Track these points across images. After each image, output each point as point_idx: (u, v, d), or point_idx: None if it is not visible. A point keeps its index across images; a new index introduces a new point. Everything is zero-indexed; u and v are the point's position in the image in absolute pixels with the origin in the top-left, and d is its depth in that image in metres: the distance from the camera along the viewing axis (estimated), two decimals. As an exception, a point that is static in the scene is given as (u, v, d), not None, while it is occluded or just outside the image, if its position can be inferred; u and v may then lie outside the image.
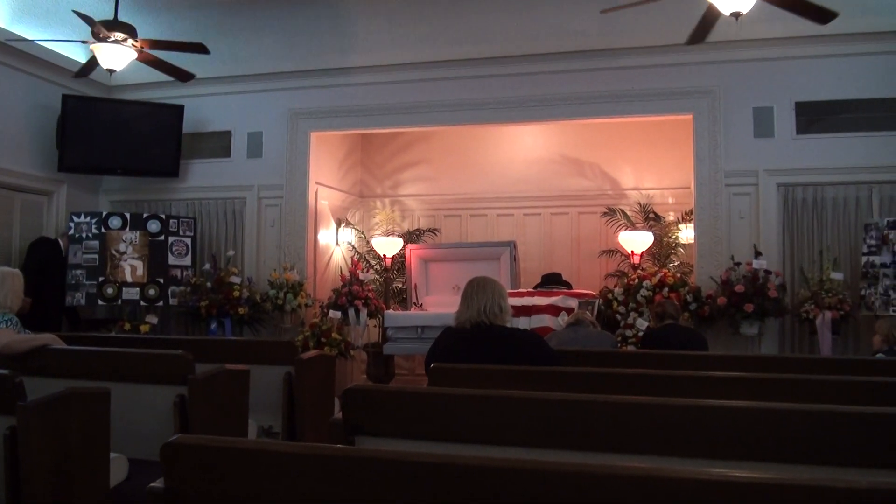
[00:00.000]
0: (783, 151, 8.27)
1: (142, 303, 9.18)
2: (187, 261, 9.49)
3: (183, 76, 7.79)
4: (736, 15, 5.73)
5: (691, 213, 8.86)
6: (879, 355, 6.15)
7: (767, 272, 7.87)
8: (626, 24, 7.93)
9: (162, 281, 9.27)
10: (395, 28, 8.79)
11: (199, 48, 7.10)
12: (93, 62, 7.30)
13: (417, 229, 10.83)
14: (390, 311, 9.50)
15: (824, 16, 5.99)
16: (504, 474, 1.81)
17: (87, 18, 6.67)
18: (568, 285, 8.94)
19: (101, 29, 6.78)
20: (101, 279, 9.04)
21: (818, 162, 8.13)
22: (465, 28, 8.67)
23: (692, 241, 8.87)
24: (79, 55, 8.97)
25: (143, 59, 7.31)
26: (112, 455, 3.91)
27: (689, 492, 1.69)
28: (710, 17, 6.19)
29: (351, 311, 9.11)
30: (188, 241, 9.53)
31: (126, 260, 9.17)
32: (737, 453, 2.63)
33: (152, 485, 2.02)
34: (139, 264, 9.22)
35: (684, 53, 8.23)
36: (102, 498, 3.72)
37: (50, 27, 8.25)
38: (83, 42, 7.10)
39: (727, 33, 7.32)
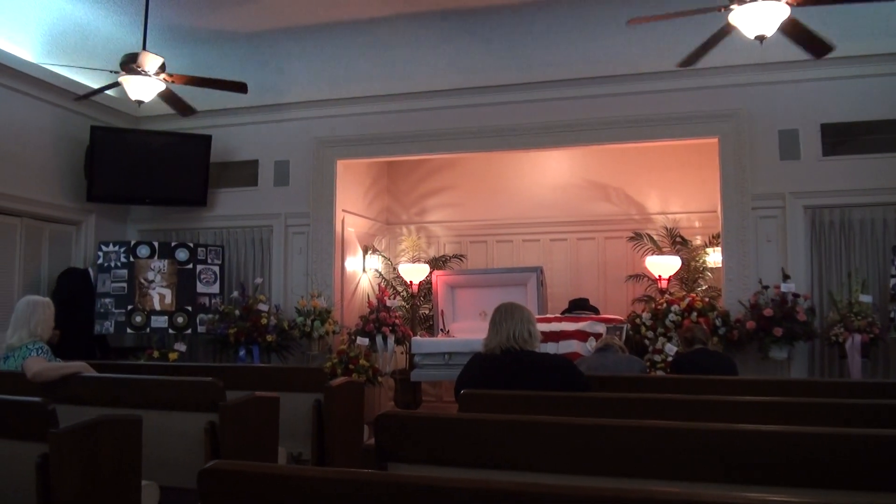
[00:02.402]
0: (809, 173, 8.23)
1: (170, 331, 9.24)
2: (215, 289, 9.54)
3: (184, 111, 7.81)
4: (760, 38, 5.73)
5: (718, 237, 8.82)
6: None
7: (796, 295, 7.81)
8: (651, 48, 7.95)
9: (190, 309, 9.32)
10: (421, 55, 8.84)
11: (239, 87, 7.15)
12: (103, 88, 7.33)
13: (443, 255, 10.85)
14: (417, 337, 9.50)
15: (822, 49, 6.02)
16: (537, 499, 1.81)
17: (131, 56, 6.74)
18: (595, 310, 8.93)
19: (140, 62, 6.84)
20: (129, 307, 9.11)
21: (845, 184, 8.08)
22: (489, 54, 8.71)
23: (720, 265, 8.83)
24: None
25: (182, 81, 7.35)
26: (143, 482, 3.92)
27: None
28: (714, 40, 6.19)
29: (378, 338, 9.12)
30: (216, 269, 9.59)
31: (154, 288, 9.23)
32: (770, 479, 2.62)
33: (189, 511, 2.03)
34: (167, 292, 9.28)
35: (709, 77, 8.25)
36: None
37: (78, 61, 8.35)
38: (113, 72, 7.17)
39: (750, 56, 7.32)
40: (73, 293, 8.89)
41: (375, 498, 1.90)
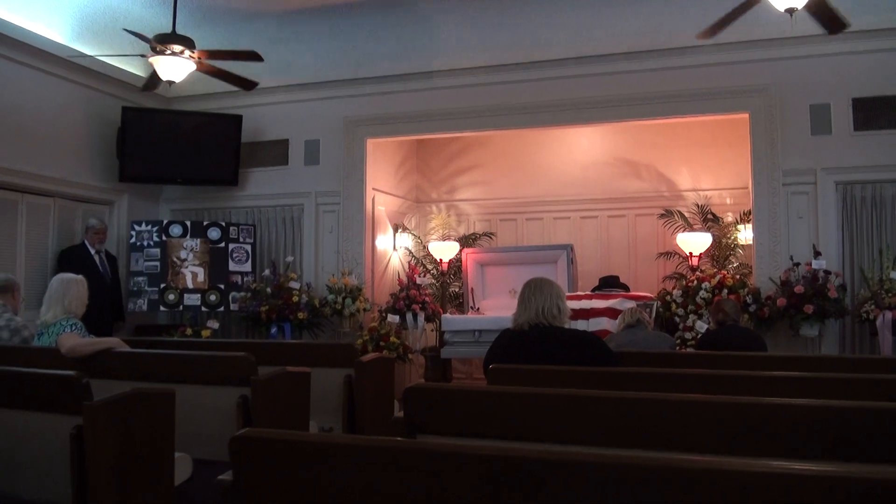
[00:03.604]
0: (841, 149, 8.16)
1: (203, 308, 9.33)
2: (247, 267, 9.62)
3: (247, 85, 7.90)
4: (791, 11, 5.68)
5: (749, 214, 8.78)
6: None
7: (827, 272, 7.76)
8: (681, 24, 7.89)
9: (222, 287, 9.41)
10: (450, 33, 8.81)
11: (253, 56, 7.19)
12: (156, 76, 7.42)
13: (473, 233, 10.87)
14: (447, 315, 9.53)
15: (837, 25, 5.97)
16: (561, 467, 1.83)
17: (140, 36, 6.80)
18: (626, 288, 8.92)
19: (156, 44, 6.90)
20: (162, 286, 9.21)
21: (877, 159, 8.01)
22: (519, 32, 8.67)
23: (751, 242, 8.79)
24: (138, 68, 9.17)
25: (206, 70, 7.42)
26: (177, 454, 3.98)
27: (748, 484, 1.70)
28: (737, 12, 6.13)
29: (409, 315, 9.16)
30: (248, 247, 9.67)
31: (187, 267, 9.32)
32: (799, 452, 2.63)
33: (220, 477, 2.07)
34: (200, 271, 9.37)
35: (739, 51, 8.20)
36: (167, 496, 3.78)
37: (109, 43, 8.41)
38: (142, 56, 7.23)
39: (781, 30, 7.26)
40: (74, 270, 8.71)
41: (404, 465, 1.93)
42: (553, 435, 2.84)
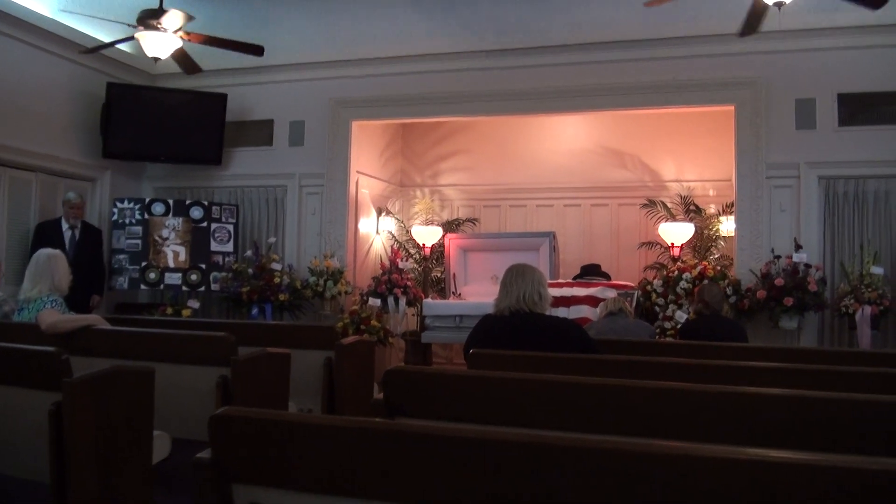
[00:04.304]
0: (825, 144, 8.21)
1: (184, 288, 9.32)
2: (229, 247, 9.60)
3: (190, 69, 7.84)
4: (779, 4, 5.71)
5: (732, 206, 8.82)
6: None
7: (808, 266, 7.81)
8: (668, 15, 7.89)
9: (204, 267, 9.39)
10: (437, 17, 8.80)
11: (255, 49, 7.14)
12: (114, 42, 7.32)
13: (457, 219, 10.88)
14: (429, 299, 9.52)
15: (876, 2, 5.91)
16: (541, 451, 1.84)
17: (149, 12, 6.75)
18: (607, 276, 8.95)
19: (154, 20, 6.85)
20: (143, 264, 9.19)
21: (860, 155, 8.06)
22: (507, 17, 8.67)
23: (733, 234, 8.84)
24: (123, 44, 9.09)
25: (206, 41, 7.34)
26: (155, 433, 3.97)
27: (724, 471, 1.71)
28: (759, 8, 6.16)
29: (390, 299, 9.17)
30: (230, 227, 9.65)
31: (169, 245, 9.30)
32: (773, 440, 2.64)
33: (199, 455, 2.07)
34: (181, 250, 9.35)
35: (727, 44, 8.19)
36: (145, 474, 3.78)
37: (94, 16, 8.34)
38: (129, 26, 7.17)
39: (770, 24, 7.27)
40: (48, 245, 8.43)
41: (382, 446, 1.93)
42: (532, 420, 2.84)
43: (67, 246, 8.50)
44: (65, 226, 8.69)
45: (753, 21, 6.40)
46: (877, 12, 6.01)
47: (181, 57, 7.63)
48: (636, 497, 1.75)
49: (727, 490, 1.69)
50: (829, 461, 1.67)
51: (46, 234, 8.43)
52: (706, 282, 7.75)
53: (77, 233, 8.77)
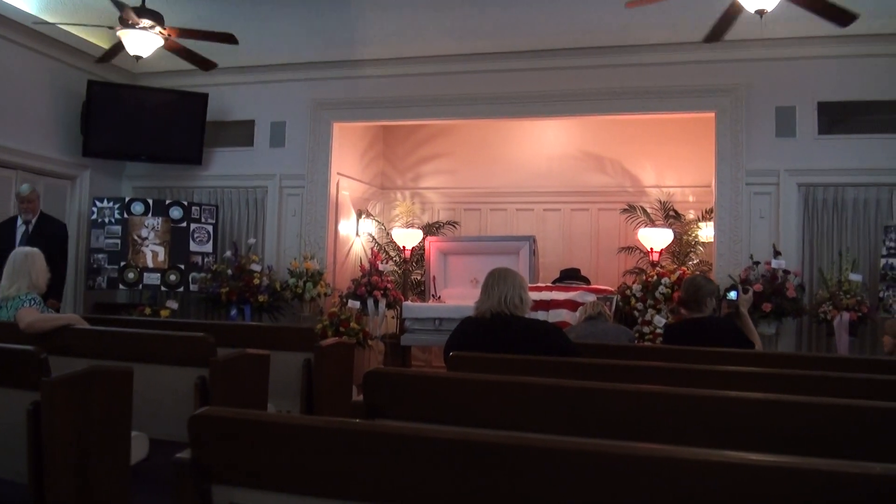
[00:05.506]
0: (805, 151, 8.26)
1: (162, 288, 9.27)
2: (208, 248, 9.57)
3: (205, 65, 7.85)
4: (760, 12, 5.73)
5: (711, 212, 8.87)
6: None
7: (786, 272, 7.86)
8: (650, 21, 7.92)
9: (183, 267, 9.35)
10: (419, 20, 8.81)
11: (228, 38, 7.15)
12: (117, 48, 7.34)
13: (437, 222, 10.89)
14: (408, 302, 9.52)
15: (845, 18, 5.98)
16: (521, 452, 1.84)
17: (118, 4, 6.73)
18: (587, 281, 8.97)
19: (132, 15, 6.83)
20: (122, 264, 9.14)
21: (839, 163, 8.12)
22: (488, 22, 8.68)
23: (712, 240, 8.88)
24: (104, 41, 9.03)
25: (169, 47, 7.36)
26: (133, 433, 3.96)
27: (704, 473, 1.72)
28: (731, 15, 6.19)
29: (370, 302, 9.16)
30: (210, 228, 9.61)
31: (147, 245, 9.26)
32: (751, 444, 2.65)
33: (178, 455, 2.06)
34: (160, 250, 9.31)
35: (708, 51, 8.23)
36: (123, 474, 3.76)
37: (76, 13, 8.31)
38: (110, 28, 7.16)
39: (751, 31, 7.33)
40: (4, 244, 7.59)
41: (362, 446, 1.93)
42: (512, 422, 2.85)
43: (18, 243, 7.60)
44: (19, 221, 8.00)
45: (722, 27, 6.42)
46: (857, 23, 6.06)
47: (190, 55, 7.63)
48: (616, 499, 1.75)
49: (707, 492, 1.70)
50: (808, 464, 1.68)
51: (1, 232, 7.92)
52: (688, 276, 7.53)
53: (30, 228, 7.96)
